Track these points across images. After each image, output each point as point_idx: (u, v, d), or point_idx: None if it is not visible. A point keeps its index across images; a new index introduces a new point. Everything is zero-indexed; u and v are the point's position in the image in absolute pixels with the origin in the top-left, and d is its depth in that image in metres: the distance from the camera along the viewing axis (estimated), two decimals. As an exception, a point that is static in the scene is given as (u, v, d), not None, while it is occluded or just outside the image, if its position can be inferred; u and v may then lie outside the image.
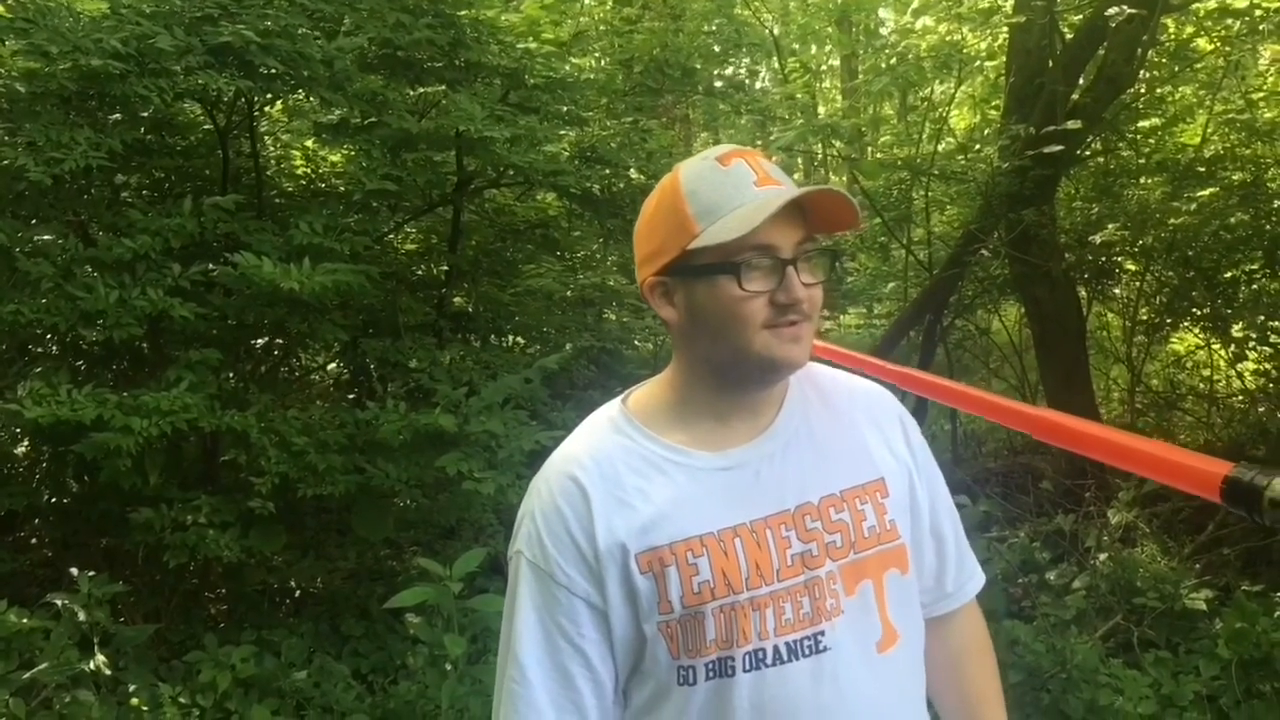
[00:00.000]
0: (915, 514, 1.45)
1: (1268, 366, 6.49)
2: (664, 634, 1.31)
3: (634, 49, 6.53)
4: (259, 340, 5.13)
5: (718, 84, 8.00)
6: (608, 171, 5.31)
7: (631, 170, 5.54)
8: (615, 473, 1.35)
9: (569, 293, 6.10)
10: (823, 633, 1.32)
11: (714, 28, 7.67)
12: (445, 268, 5.61)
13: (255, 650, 4.15)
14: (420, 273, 5.90)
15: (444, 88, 4.71)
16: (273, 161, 5.48)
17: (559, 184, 4.93)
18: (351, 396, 5.60)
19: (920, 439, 1.51)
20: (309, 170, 5.62)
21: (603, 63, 7.03)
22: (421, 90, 4.80)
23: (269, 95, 4.65)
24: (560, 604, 1.33)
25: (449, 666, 3.73)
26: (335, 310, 4.67)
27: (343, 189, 5.18)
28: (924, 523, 1.47)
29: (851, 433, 1.44)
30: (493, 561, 4.79)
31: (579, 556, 1.32)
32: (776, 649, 1.30)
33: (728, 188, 1.31)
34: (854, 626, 1.34)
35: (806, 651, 1.31)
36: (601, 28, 7.52)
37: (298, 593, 5.09)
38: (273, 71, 4.21)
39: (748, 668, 1.30)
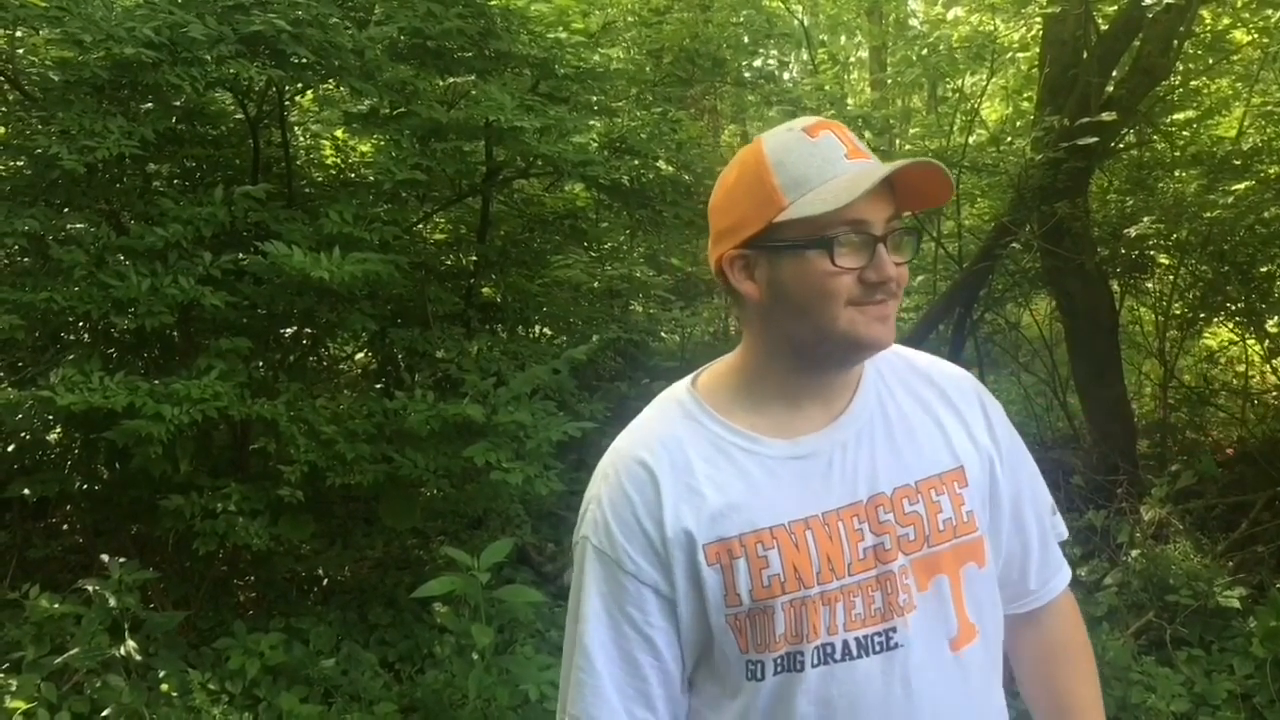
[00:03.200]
0: (995, 503, 1.40)
1: (1303, 362, 6.42)
2: (732, 627, 1.28)
3: (663, 39, 6.51)
4: (288, 329, 5.15)
5: (746, 75, 7.97)
6: (636, 162, 5.29)
7: (660, 161, 5.52)
8: (685, 459, 1.31)
9: (596, 284, 6.09)
10: (894, 629, 1.28)
11: (742, 19, 7.64)
12: (474, 258, 5.62)
13: (284, 638, 4.17)
14: (449, 263, 5.91)
15: (474, 77, 4.70)
16: (302, 151, 5.49)
17: (588, 174, 4.92)
18: (379, 386, 5.61)
19: (1005, 422, 1.45)
20: (338, 160, 5.63)
21: (631, 53, 7.01)
22: (451, 80, 4.79)
23: (299, 85, 4.66)
24: (628, 592, 1.30)
25: (476, 656, 3.74)
26: (364, 300, 4.68)
27: (372, 179, 5.18)
28: (1004, 512, 1.41)
29: (929, 419, 1.39)
30: (519, 552, 4.80)
31: (647, 544, 1.29)
32: (846, 644, 1.27)
33: (818, 159, 1.26)
34: (927, 623, 1.30)
35: (877, 648, 1.28)
36: (629, 18, 7.51)
37: (325, 581, 5.11)
38: (303, 61, 4.21)
39: (816, 663, 1.27)
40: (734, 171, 1.34)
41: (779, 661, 1.27)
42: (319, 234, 4.20)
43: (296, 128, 5.41)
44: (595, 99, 5.38)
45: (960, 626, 1.32)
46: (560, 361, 4.58)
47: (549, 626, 4.44)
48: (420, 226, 5.54)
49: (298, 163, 5.20)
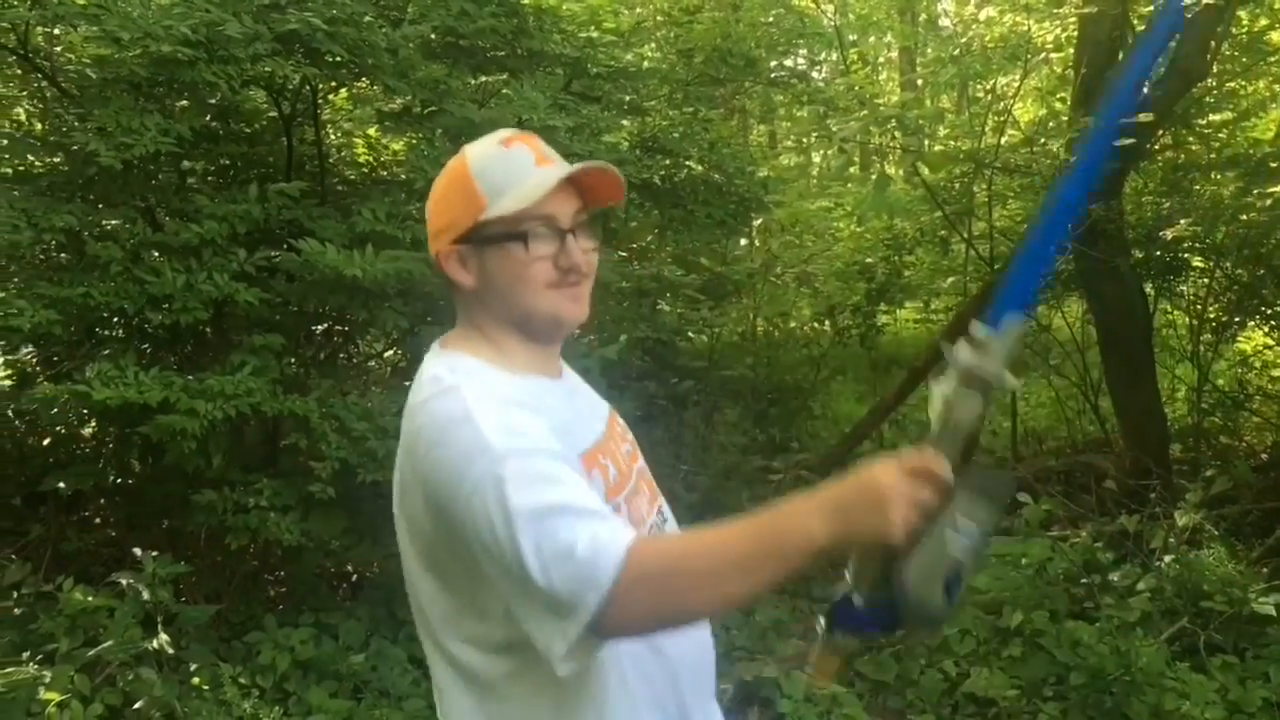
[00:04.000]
0: None
1: (1340, 368, 6.34)
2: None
3: (695, 39, 6.51)
4: (319, 326, 5.17)
5: (778, 74, 7.94)
6: (668, 162, 5.28)
7: (691, 160, 5.51)
8: (525, 400, 1.44)
9: (625, 283, 6.08)
10: (661, 504, 1.65)
11: (772, 18, 7.61)
12: (504, 256, 5.60)
13: (314, 633, 4.19)
14: (479, 261, 5.90)
15: (506, 76, 4.71)
16: (335, 149, 5.51)
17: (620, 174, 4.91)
18: (407, 383, 5.62)
19: None
20: (371, 158, 5.66)
21: (664, 52, 7.01)
22: (483, 79, 4.80)
23: (333, 83, 4.68)
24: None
25: (504, 653, 3.74)
26: (395, 297, 4.69)
27: (404, 177, 5.20)
28: None
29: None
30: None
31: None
32: (655, 523, 1.59)
33: (512, 166, 1.49)
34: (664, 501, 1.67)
35: (661, 519, 1.63)
36: (659, 18, 7.50)
37: (355, 577, 5.13)
38: (338, 59, 4.23)
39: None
40: (444, 180, 1.56)
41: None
42: (352, 232, 4.23)
43: (329, 126, 5.44)
44: (628, 98, 5.38)
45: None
46: (591, 360, 4.58)
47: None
48: (452, 225, 5.55)
49: (331, 161, 5.23)
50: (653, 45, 7.18)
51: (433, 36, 4.66)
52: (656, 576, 1.26)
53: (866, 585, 1.35)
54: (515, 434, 1.34)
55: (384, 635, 4.40)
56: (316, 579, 4.90)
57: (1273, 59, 6.69)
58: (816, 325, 8.16)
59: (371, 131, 5.56)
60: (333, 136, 5.53)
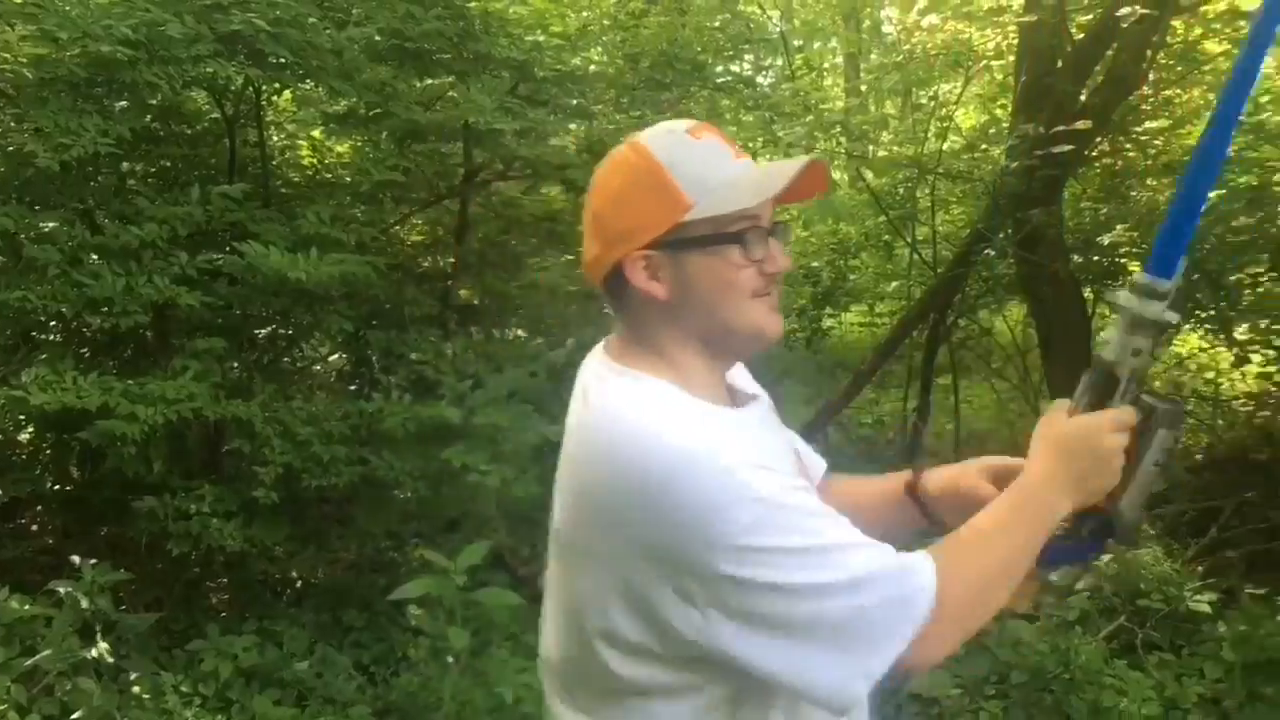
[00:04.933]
0: None
1: (1271, 370, 6.48)
2: None
3: (641, 43, 6.52)
4: (263, 330, 5.12)
5: (723, 79, 7.97)
6: (615, 166, 5.27)
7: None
8: (744, 442, 1.27)
9: (573, 287, 6.08)
10: None
11: (718, 23, 7.64)
12: (451, 260, 5.60)
13: (257, 640, 4.14)
14: (426, 265, 5.89)
15: (452, 79, 4.69)
16: (279, 151, 5.46)
17: (567, 177, 4.92)
18: (353, 387, 5.59)
19: None
20: (315, 160, 5.60)
21: (612, 56, 7.01)
22: (429, 81, 4.77)
23: (277, 85, 4.64)
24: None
25: (451, 659, 3.72)
26: (340, 301, 4.66)
27: (349, 180, 5.16)
28: None
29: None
30: (495, 555, 4.78)
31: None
32: None
33: (710, 160, 1.31)
34: None
35: None
36: (605, 22, 7.50)
37: (299, 583, 5.08)
38: (282, 61, 4.19)
39: None
40: (620, 175, 1.34)
41: None
42: (296, 234, 4.19)
43: (273, 128, 5.38)
44: (574, 102, 5.38)
45: None
46: (539, 364, 4.58)
47: (525, 629, 4.42)
48: (397, 228, 5.52)
49: (274, 163, 5.18)
50: (599, 49, 7.17)
51: (378, 39, 4.62)
52: (964, 604, 1.28)
53: (1076, 524, 1.44)
54: (766, 469, 1.22)
55: (329, 642, 4.36)
56: (260, 585, 4.85)
57: (1207, 68, 6.82)
58: (763, 329, 8.19)
59: (316, 134, 5.50)
60: (276, 138, 5.47)
